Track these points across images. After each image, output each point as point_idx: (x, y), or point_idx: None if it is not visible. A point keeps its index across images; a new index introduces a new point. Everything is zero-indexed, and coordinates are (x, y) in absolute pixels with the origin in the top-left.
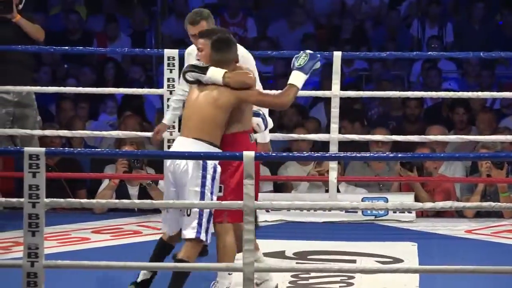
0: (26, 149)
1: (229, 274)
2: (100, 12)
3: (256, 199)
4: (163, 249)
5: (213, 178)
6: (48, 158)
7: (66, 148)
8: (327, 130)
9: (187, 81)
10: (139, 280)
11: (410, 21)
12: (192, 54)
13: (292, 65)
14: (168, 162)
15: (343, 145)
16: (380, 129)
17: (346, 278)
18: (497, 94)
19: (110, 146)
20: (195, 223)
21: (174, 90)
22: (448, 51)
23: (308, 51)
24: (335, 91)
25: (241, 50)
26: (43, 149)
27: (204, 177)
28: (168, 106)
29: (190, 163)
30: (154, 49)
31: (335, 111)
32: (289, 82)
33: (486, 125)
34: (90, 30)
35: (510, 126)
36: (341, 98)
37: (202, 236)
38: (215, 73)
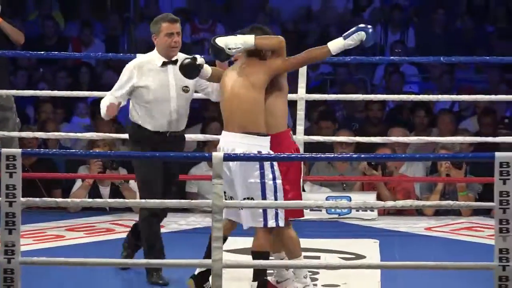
0: (3, 150)
1: (304, 277)
2: (76, 19)
3: (300, 198)
4: None
5: (272, 165)
6: (25, 159)
7: (42, 149)
8: (293, 132)
9: (215, 50)
10: (196, 272)
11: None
12: (146, 67)
13: None
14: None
15: (310, 146)
16: (344, 131)
17: (311, 273)
18: (456, 97)
19: (83, 147)
20: (259, 213)
21: None
22: (410, 56)
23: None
24: (301, 94)
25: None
26: (20, 150)
27: (261, 167)
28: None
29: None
30: (127, 53)
31: (301, 113)
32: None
33: (446, 127)
34: (66, 36)
35: (469, 128)
36: (309, 101)
37: (270, 224)
38: (245, 37)
